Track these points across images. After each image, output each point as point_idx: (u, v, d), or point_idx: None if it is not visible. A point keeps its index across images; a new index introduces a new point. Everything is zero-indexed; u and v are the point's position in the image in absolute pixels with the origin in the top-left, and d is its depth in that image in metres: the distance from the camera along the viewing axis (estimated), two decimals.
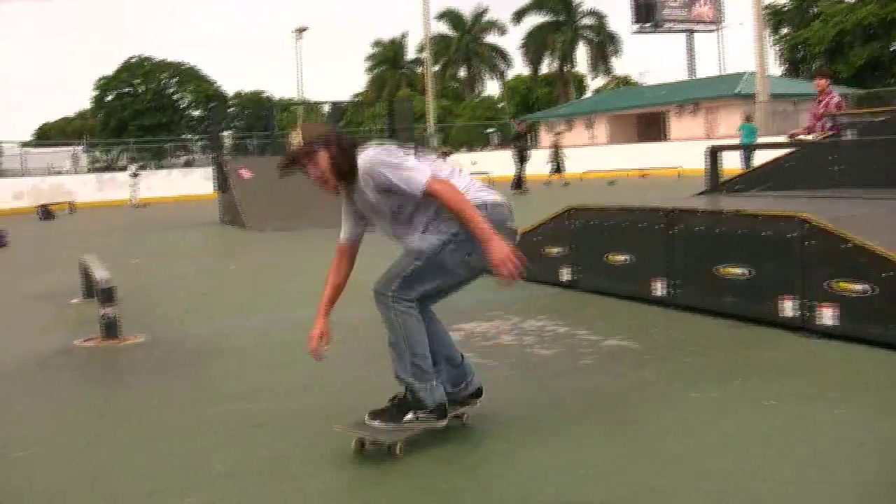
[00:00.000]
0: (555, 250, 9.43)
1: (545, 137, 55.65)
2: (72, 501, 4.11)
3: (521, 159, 31.65)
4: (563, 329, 7.30)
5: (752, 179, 10.88)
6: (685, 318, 7.51)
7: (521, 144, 32.51)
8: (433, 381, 4.50)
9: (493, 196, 4.46)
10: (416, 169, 4.23)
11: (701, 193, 10.87)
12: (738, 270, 7.20)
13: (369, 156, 4.31)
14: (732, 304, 7.27)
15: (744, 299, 7.17)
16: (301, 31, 67.05)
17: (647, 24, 66.82)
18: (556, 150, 37.60)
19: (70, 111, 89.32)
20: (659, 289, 8.03)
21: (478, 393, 4.79)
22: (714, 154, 10.66)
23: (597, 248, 8.87)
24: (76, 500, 4.11)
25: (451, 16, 77.93)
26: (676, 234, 7.88)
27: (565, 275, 9.26)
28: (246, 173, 21.54)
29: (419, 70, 75.09)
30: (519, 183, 30.83)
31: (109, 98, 74.08)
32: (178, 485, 4.17)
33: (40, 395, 6.14)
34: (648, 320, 7.58)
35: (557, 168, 36.87)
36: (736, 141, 28.49)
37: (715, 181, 10.73)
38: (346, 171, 4.34)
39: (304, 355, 4.66)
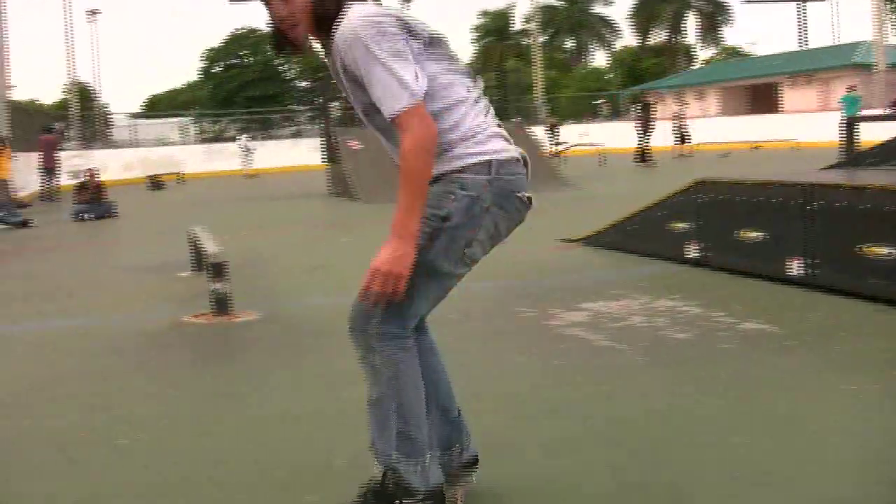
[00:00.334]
0: (680, 225, 9.03)
1: (661, 109, 54.84)
2: (183, 499, 3.79)
3: (646, 130, 30.72)
4: (696, 310, 6.91)
5: (889, 152, 10.33)
6: (826, 299, 7.03)
7: (646, 115, 31.42)
8: (426, 456, 3.20)
9: (503, 149, 3.14)
10: (402, 81, 2.94)
11: (832, 167, 10.37)
12: (885, 250, 6.74)
13: (356, 19, 2.99)
14: (878, 286, 6.82)
15: (891, 281, 6.71)
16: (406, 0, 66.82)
17: None
18: (680, 121, 36.61)
19: (179, 83, 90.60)
20: (795, 268, 7.58)
21: (474, 462, 3.44)
22: (850, 126, 10.16)
23: (727, 224, 8.43)
24: (188, 497, 3.80)
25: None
26: (816, 210, 7.43)
27: (692, 251, 8.84)
28: (356, 145, 21.36)
29: (526, 41, 74.38)
30: (643, 155, 29.99)
31: (217, 70, 74.82)
32: (298, 479, 3.85)
33: (149, 375, 5.94)
34: (786, 302, 7.13)
35: (682, 139, 35.89)
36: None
37: (851, 153, 10.21)
38: (330, 16, 3.08)
39: None
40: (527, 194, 3.17)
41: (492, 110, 3.25)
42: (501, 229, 3.17)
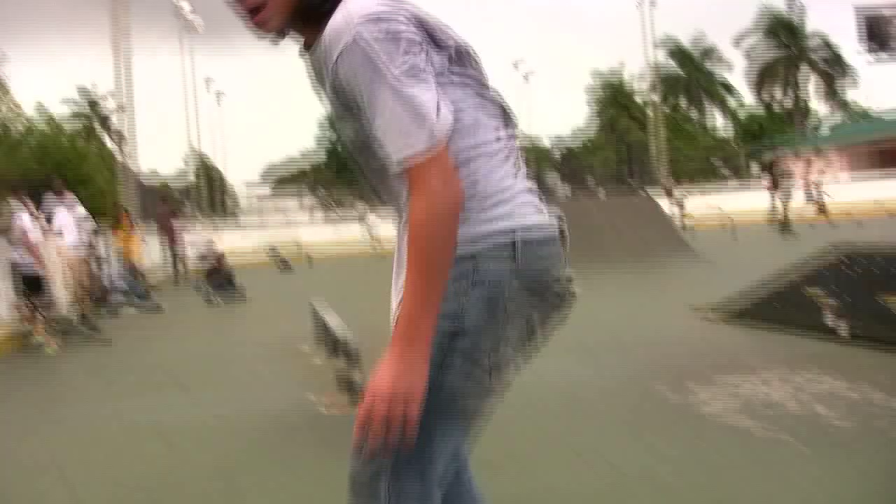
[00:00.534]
0: (821, 295, 8.59)
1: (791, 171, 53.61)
2: None
3: (780, 194, 29.31)
4: (851, 391, 6.46)
5: None
6: None
7: (779, 179, 29.87)
8: None
9: (536, 223, 2.28)
10: (419, 113, 2.08)
11: None
12: None
13: (357, 14, 2.11)
14: None
15: None
16: (518, 65, 67.06)
17: (877, 48, 63.47)
18: (813, 184, 35.38)
19: (296, 149, 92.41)
20: None
21: None
22: None
23: (872, 293, 7.98)
24: None
25: (671, 47, 76.53)
26: None
27: (835, 322, 8.38)
28: None
29: (642, 103, 74.01)
30: (784, 222, 28.38)
31: (332, 136, 76.22)
32: None
33: (277, 464, 5.78)
34: None
35: (815, 203, 34.61)
36: None
37: None
38: (317, 6, 2.22)
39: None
40: (566, 277, 2.32)
41: (524, 166, 2.36)
42: (537, 331, 2.32)
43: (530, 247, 2.20)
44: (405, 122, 2.04)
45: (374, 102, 2.07)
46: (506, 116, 2.36)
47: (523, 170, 2.34)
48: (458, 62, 2.23)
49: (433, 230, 2.05)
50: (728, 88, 77.65)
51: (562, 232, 2.33)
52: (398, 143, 2.06)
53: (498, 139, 2.28)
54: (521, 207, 2.24)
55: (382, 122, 2.07)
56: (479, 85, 2.28)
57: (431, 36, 2.17)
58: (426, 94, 2.07)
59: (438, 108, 2.09)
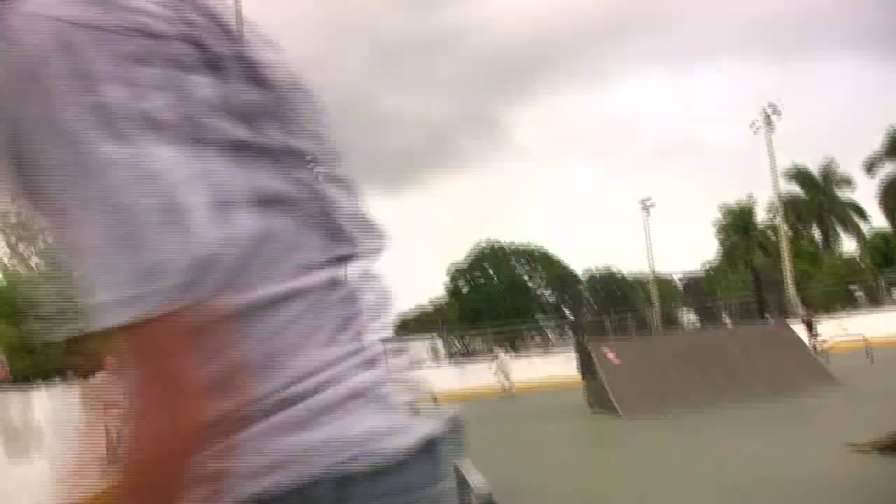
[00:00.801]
0: None
1: None
2: None
3: None
4: None
5: None
6: None
7: None
8: None
9: (377, 418, 1.20)
10: (147, 225, 1.03)
11: None
12: None
13: (45, 13, 1.06)
14: None
15: None
16: (646, 202, 67.15)
17: None
18: None
19: (425, 299, 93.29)
20: None
21: None
22: None
23: None
24: None
25: (798, 174, 75.63)
26: None
27: None
28: (614, 357, 21.03)
29: (770, 233, 72.97)
30: None
31: (462, 287, 76.95)
32: None
33: None
34: None
35: None
36: None
37: None
38: None
39: None
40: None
41: (380, 320, 1.32)
42: None
43: (364, 485, 1.16)
44: (118, 245, 1.03)
45: (61, 206, 1.06)
46: (342, 230, 1.29)
47: (377, 328, 1.30)
48: (251, 107, 1.20)
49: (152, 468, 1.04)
50: (859, 211, 76.07)
51: (441, 442, 1.30)
52: (101, 282, 1.04)
53: (325, 265, 1.24)
54: (350, 409, 1.19)
55: (78, 234, 1.05)
56: (294, 159, 1.25)
57: (200, 49, 1.15)
58: (170, 178, 1.05)
59: (197, 217, 1.07)
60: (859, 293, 59.78)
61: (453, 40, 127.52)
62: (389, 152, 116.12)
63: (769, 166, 54.29)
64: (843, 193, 76.33)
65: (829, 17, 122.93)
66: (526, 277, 78.39)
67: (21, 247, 39.42)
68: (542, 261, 79.17)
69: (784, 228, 59.85)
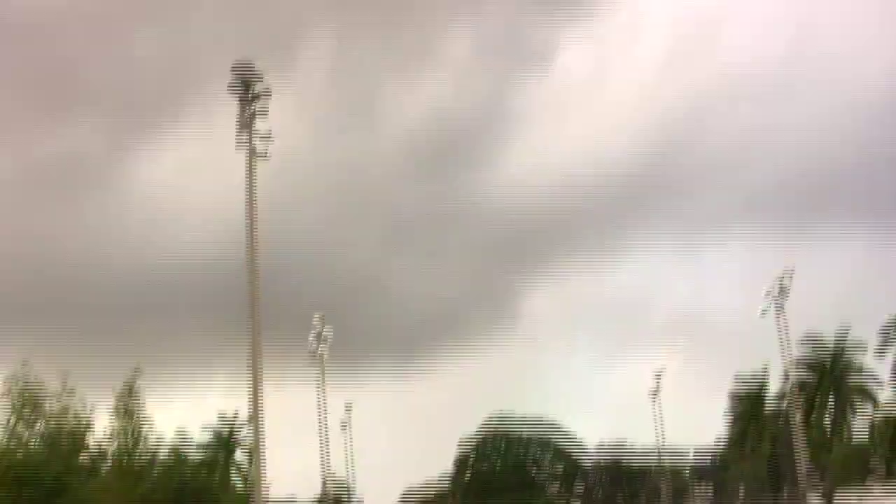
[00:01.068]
0: None
1: None
2: None
3: None
4: None
5: None
6: None
7: None
8: None
9: None
10: None
11: None
12: None
13: None
14: None
15: None
16: (658, 376, 66.64)
17: None
18: None
19: (433, 471, 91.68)
20: None
21: None
22: None
23: None
24: None
25: (807, 349, 74.14)
26: None
27: None
28: None
29: (783, 406, 71.60)
30: None
31: (470, 458, 75.78)
32: None
33: None
34: None
35: None
36: None
37: None
38: None
39: None
40: None
41: None
42: None
43: None
44: None
45: None
46: None
47: None
48: None
49: None
50: (869, 394, 74.23)
51: None
52: None
53: None
54: None
55: None
56: None
57: None
58: None
59: None
60: (879, 469, 58.61)
61: (464, 216, 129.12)
62: (399, 323, 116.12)
63: (779, 345, 54.00)
64: (859, 363, 73.46)
65: (842, 183, 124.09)
66: (534, 467, 77.36)
67: (27, 411, 38.92)
68: (551, 440, 77.97)
69: (798, 403, 59.16)
